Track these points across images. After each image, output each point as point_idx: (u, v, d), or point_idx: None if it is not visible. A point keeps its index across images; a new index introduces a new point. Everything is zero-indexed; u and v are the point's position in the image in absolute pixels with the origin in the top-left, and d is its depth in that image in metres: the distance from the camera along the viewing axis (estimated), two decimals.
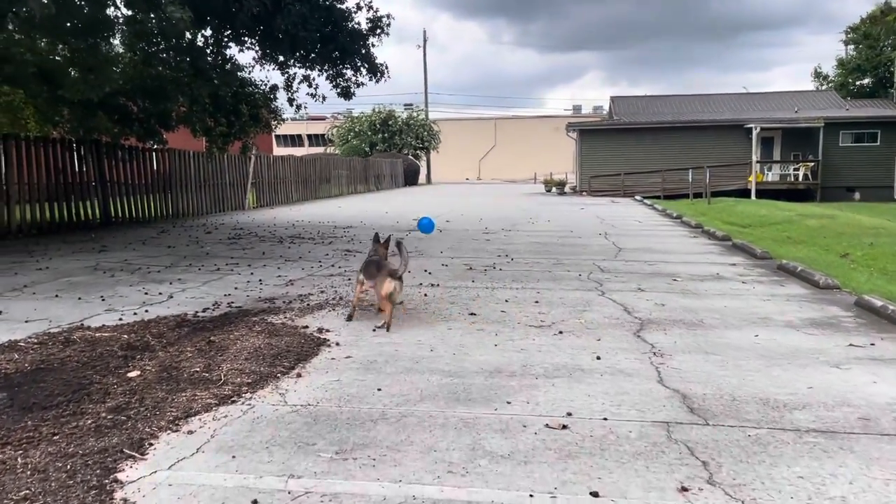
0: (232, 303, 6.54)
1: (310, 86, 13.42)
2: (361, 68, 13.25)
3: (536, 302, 6.58)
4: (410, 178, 44.81)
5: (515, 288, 7.35)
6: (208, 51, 13.30)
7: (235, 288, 7.30)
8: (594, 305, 6.45)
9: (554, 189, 33.20)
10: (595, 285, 7.52)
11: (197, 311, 6.14)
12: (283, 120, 16.95)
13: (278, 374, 4.32)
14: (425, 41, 53.83)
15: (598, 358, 4.68)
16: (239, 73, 14.86)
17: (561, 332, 5.39)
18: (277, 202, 23.12)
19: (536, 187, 41.81)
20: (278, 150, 61.17)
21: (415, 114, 51.60)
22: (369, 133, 48.69)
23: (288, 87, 13.75)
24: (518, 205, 23.63)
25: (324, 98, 13.77)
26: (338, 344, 5.06)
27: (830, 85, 49.34)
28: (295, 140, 72.05)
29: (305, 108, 15.31)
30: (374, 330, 5.49)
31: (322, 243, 11.40)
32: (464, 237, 12.46)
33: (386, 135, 48.76)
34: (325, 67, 13.13)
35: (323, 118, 68.92)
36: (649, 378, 4.25)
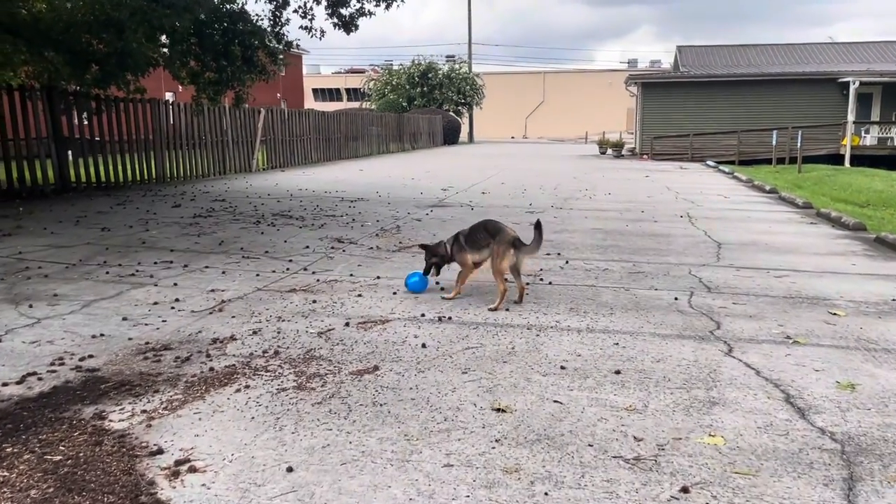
0: (89, 357, 3.80)
1: (304, 16, 10.44)
2: None
3: (616, 373, 3.66)
4: (450, 137, 41.61)
5: (575, 329, 4.42)
6: None
7: (124, 319, 4.54)
8: (723, 385, 3.51)
9: (610, 151, 29.68)
10: (707, 325, 4.55)
11: (4, 382, 3.43)
12: (285, 63, 14.03)
13: None
14: None
15: None
16: (230, 5, 11.99)
17: (685, 492, 2.49)
18: (293, 163, 20.37)
19: (588, 148, 38.23)
20: (316, 104, 58.59)
21: (457, 66, 48.02)
22: (407, 87, 45.40)
23: (276, 18, 10.81)
24: (569, 170, 20.40)
25: (322, 33, 10.82)
26: None
27: None
28: (333, 94, 69.24)
29: (298, 42, 12.32)
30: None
31: (311, 226, 8.59)
32: (502, 218, 9.39)
33: (425, 89, 45.41)
34: None
35: (363, 71, 65.86)
36: None
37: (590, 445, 2.82)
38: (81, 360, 3.77)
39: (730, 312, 4.86)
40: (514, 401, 3.26)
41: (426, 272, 5.38)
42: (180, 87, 17.72)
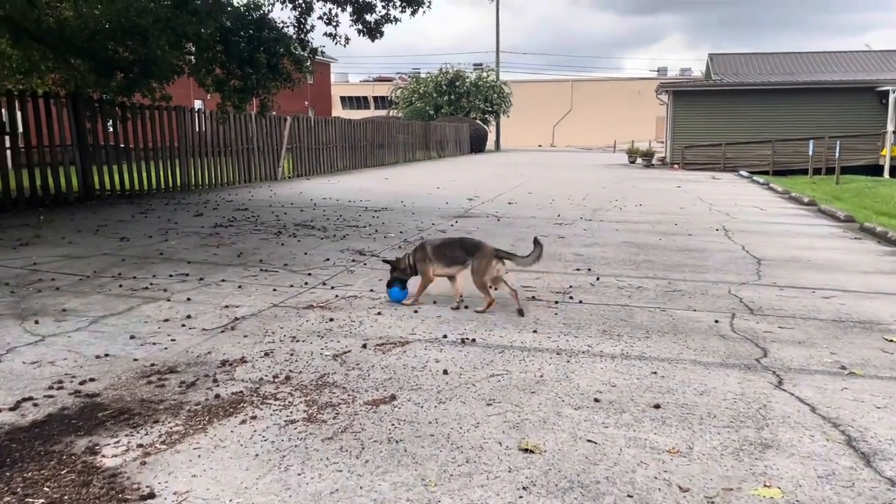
0: (90, 380, 3.58)
1: (329, 23, 10.25)
2: None
3: (656, 407, 3.33)
4: (477, 145, 41.35)
5: (609, 355, 4.10)
6: None
7: (132, 337, 4.33)
8: (775, 424, 3.17)
9: (639, 160, 29.15)
10: (752, 352, 4.20)
11: None
12: (311, 71, 13.87)
13: None
14: None
15: None
16: (256, 13, 11.87)
17: None
18: (318, 171, 20.24)
19: (617, 157, 37.72)
20: (343, 113, 58.81)
21: (484, 74, 47.79)
22: (434, 95, 45.26)
23: (300, 24, 10.64)
24: (599, 179, 20.00)
25: (347, 40, 10.61)
26: None
27: None
28: (360, 102, 69.47)
29: (323, 49, 12.15)
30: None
31: (332, 237, 8.36)
32: (529, 230, 9.20)
33: (452, 97, 45.23)
34: None
35: (390, 79, 65.98)
36: None
37: (629, 496, 2.51)
38: (82, 383, 3.55)
39: (776, 338, 4.50)
40: (544, 439, 2.96)
41: (389, 286, 5.28)
42: (208, 95, 17.75)
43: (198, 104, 28.40)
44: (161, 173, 13.88)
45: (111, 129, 12.85)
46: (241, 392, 3.46)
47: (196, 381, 3.59)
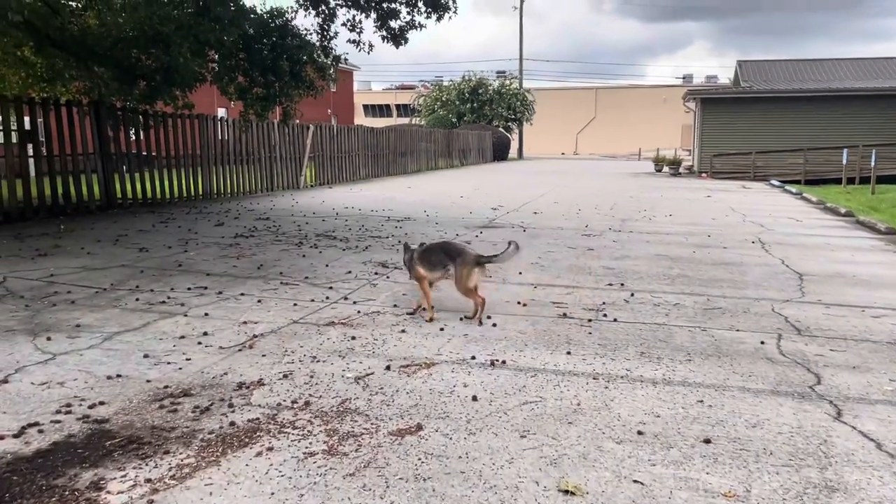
0: (100, 403, 3.39)
1: (352, 29, 10.07)
2: (419, 1, 9.75)
3: (706, 442, 3.05)
4: (500, 153, 41.10)
5: (650, 381, 3.83)
6: None
7: (146, 356, 4.14)
8: (839, 462, 2.87)
9: (666, 168, 28.67)
10: (805, 378, 3.90)
11: (1, 435, 3.03)
12: (333, 79, 13.73)
13: None
14: (522, 1, 49.45)
15: None
16: (279, 20, 11.76)
17: None
18: (340, 179, 20.12)
19: (642, 165, 37.23)
20: (366, 120, 58.93)
21: (507, 82, 47.55)
22: (457, 103, 45.13)
23: (323, 31, 10.48)
24: (625, 188, 19.64)
25: (371, 47, 10.45)
26: None
27: None
28: (383, 110, 69.58)
29: (346, 56, 11.98)
30: None
31: (354, 249, 8.16)
32: (556, 241, 8.93)
33: (475, 104, 45.06)
34: (373, 3, 9.71)
35: (413, 87, 66.05)
36: None
37: None
38: (91, 407, 3.36)
39: (829, 362, 4.19)
40: (585, 478, 2.70)
41: None
42: (232, 104, 17.74)
43: (221, 112, 28.51)
44: (183, 181, 13.82)
45: (133, 137, 12.80)
46: (258, 419, 3.24)
47: (211, 406, 3.38)
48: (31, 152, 11.02)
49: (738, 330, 4.90)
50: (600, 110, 66.69)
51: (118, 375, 3.80)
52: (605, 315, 5.25)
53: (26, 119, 10.90)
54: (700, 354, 4.32)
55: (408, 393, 3.60)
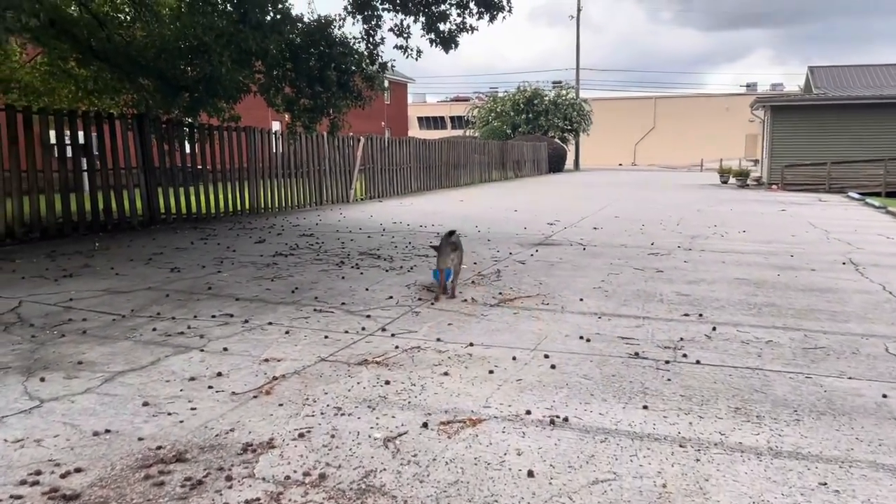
0: (76, 471, 2.81)
1: (399, 34, 9.50)
2: (470, 2, 9.09)
3: None
4: (555, 164, 40.13)
5: (753, 450, 3.03)
6: None
7: (145, 404, 3.56)
8: None
9: (732, 180, 27.26)
10: None
11: None
12: (383, 89, 13.21)
13: None
14: (579, 10, 48.51)
15: None
16: (327, 30, 11.32)
17: None
18: (391, 192, 19.62)
19: (705, 176, 35.71)
20: (421, 133, 58.78)
21: (563, 92, 46.58)
22: (512, 114, 44.37)
23: (369, 37, 9.94)
24: (690, 201, 18.54)
25: (419, 52, 9.87)
26: None
27: None
28: (437, 122, 69.38)
29: (393, 63, 11.41)
30: None
31: (398, 269, 7.52)
32: (620, 261, 8.11)
33: (530, 115, 44.21)
34: (421, 6, 9.12)
35: (467, 99, 65.67)
36: None
37: None
38: (64, 476, 2.77)
39: None
40: None
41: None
42: (286, 117, 17.50)
43: (275, 126, 28.51)
44: (228, 196, 13.49)
45: (178, 151, 12.53)
46: (258, 500, 2.59)
47: (205, 479, 2.75)
48: (85, 166, 10.82)
49: (849, 378, 4.04)
50: (659, 120, 64.89)
51: (107, 431, 3.22)
52: (684, 355, 4.45)
53: (80, 133, 10.68)
54: (809, 412, 3.50)
55: (447, 463, 2.91)
